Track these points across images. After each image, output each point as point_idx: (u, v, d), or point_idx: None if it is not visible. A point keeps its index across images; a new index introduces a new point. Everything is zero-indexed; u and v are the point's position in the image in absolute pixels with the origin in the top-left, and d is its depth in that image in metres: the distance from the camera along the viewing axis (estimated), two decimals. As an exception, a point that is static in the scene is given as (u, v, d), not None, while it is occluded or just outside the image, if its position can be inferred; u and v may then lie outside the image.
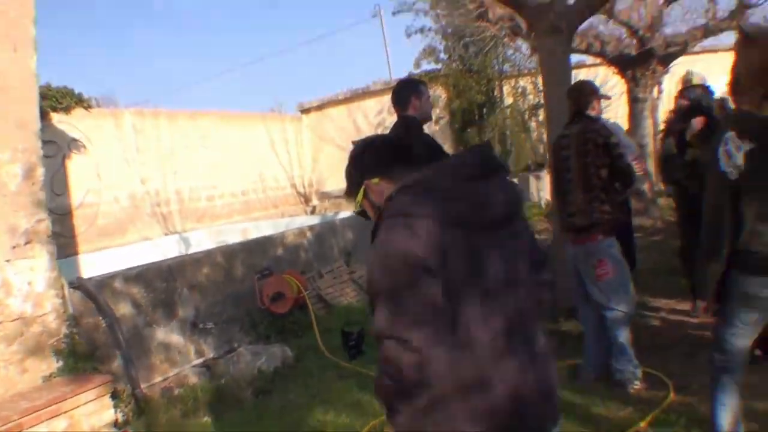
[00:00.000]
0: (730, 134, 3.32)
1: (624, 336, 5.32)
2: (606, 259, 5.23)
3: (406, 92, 4.83)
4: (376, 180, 2.45)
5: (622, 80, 13.42)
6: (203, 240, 14.45)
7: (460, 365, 2.06)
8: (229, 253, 8.27)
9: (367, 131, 18.37)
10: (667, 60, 12.91)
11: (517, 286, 2.21)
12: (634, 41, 12.90)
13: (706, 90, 6.56)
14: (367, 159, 2.53)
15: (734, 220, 3.39)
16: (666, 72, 13.48)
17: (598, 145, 5.14)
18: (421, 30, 18.85)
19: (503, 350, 2.12)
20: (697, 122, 6.13)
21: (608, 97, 5.82)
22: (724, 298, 3.63)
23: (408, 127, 4.78)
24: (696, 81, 6.64)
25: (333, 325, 7.86)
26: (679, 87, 6.87)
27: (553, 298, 2.51)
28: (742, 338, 3.63)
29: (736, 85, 3.45)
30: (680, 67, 7.47)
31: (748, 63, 3.33)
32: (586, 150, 5.18)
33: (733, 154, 3.29)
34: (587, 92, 5.40)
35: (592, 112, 5.37)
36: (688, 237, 6.80)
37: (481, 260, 2.15)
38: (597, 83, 12.82)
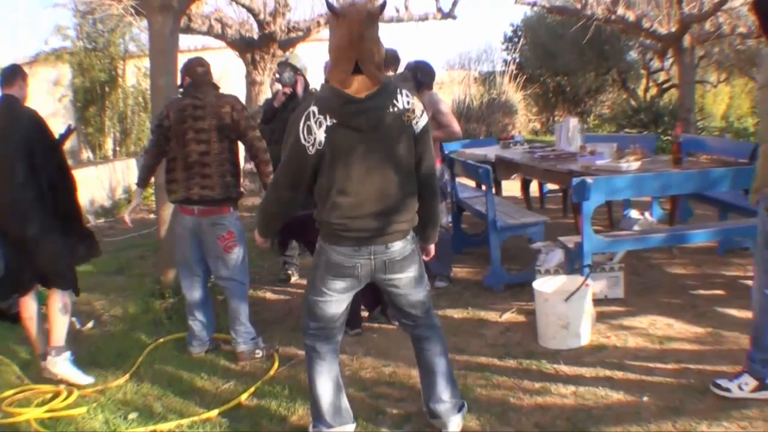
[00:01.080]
0: (313, 109, 3.37)
1: (245, 307, 5.42)
2: (233, 230, 5.29)
3: (16, 73, 5.16)
4: None
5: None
6: None
7: None
8: None
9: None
10: (287, 44, 13.12)
11: None
12: (256, 26, 12.94)
13: (295, 70, 6.87)
14: None
15: (317, 192, 3.50)
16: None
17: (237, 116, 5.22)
18: (55, 5, 18.15)
19: None
20: (281, 93, 6.66)
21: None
22: (313, 267, 3.74)
23: (11, 105, 5.06)
24: (293, 61, 6.96)
25: None
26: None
27: None
28: (334, 305, 3.72)
29: (330, 62, 3.49)
30: (306, 53, 7.70)
31: (338, 39, 3.36)
32: (222, 123, 5.18)
33: (314, 129, 3.34)
34: (197, 65, 5.38)
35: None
36: None
37: None
38: (220, 67, 12.87)
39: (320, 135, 3.35)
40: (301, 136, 3.37)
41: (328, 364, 3.85)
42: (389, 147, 3.44)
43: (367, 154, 3.41)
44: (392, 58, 6.17)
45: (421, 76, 6.31)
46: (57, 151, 5.22)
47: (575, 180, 5.67)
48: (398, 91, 3.48)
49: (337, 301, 3.72)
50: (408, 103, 3.46)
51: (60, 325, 5.17)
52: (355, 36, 3.31)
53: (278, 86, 6.90)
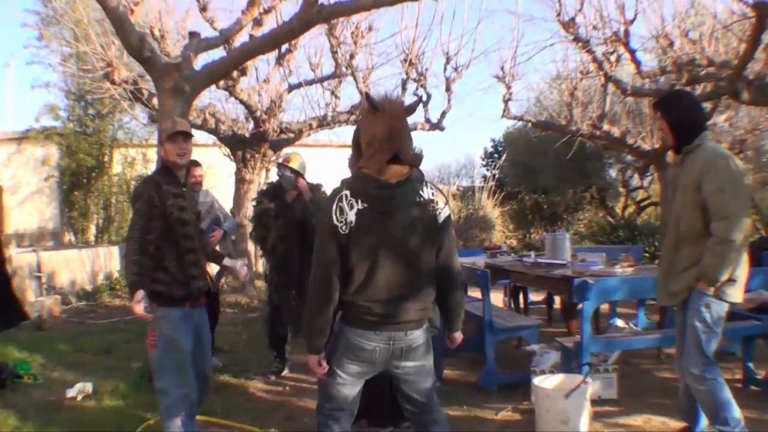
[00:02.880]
0: (345, 192, 3.50)
1: (174, 425, 4.55)
2: (155, 329, 4.61)
3: None
4: None
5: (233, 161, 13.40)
6: None
7: None
8: None
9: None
10: (278, 145, 13.23)
11: None
12: (250, 123, 12.96)
13: (295, 173, 6.88)
14: None
15: (343, 274, 3.53)
16: (278, 157, 13.65)
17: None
18: (47, 85, 18.33)
19: None
20: (291, 193, 6.81)
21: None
22: (331, 348, 3.73)
23: None
24: (293, 163, 6.94)
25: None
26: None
27: None
28: (349, 388, 3.74)
29: (358, 152, 3.69)
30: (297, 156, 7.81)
31: (375, 131, 3.54)
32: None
33: (345, 210, 3.45)
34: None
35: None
36: (276, 303, 7.20)
37: None
38: (208, 162, 12.92)
39: (351, 216, 3.46)
40: (334, 216, 3.48)
41: None
42: (414, 234, 3.55)
43: (393, 239, 3.51)
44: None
45: None
46: None
47: (577, 281, 5.81)
48: (423, 182, 3.66)
49: (350, 384, 3.74)
50: (432, 194, 3.62)
51: None
52: (396, 129, 3.54)
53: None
